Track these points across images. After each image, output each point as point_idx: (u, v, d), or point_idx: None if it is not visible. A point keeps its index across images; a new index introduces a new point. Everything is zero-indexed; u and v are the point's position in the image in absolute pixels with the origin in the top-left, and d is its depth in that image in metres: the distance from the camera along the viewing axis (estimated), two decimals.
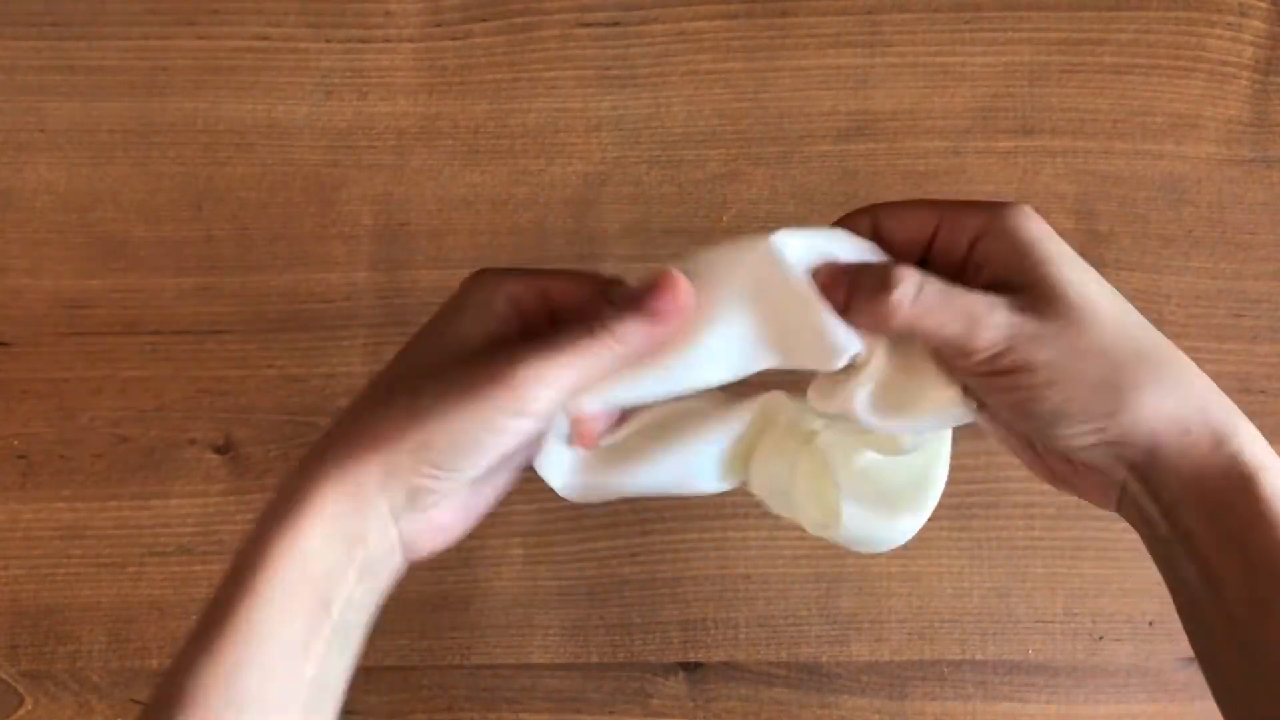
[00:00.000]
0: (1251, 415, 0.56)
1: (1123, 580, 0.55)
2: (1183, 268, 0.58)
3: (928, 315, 0.34)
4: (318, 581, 0.34)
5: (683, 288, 0.34)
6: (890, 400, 0.36)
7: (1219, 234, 0.58)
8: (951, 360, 0.35)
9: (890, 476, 0.39)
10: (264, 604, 0.33)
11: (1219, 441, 0.34)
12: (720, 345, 0.35)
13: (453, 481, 0.35)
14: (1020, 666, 0.55)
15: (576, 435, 0.37)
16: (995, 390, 0.35)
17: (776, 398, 0.39)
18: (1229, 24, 0.60)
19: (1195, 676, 0.54)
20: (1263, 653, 0.33)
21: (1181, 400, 0.34)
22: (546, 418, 0.35)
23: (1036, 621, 0.55)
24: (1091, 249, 0.58)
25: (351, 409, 0.36)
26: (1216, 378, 0.57)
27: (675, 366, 0.35)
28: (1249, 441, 0.35)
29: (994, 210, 0.36)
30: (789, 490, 0.39)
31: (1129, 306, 0.36)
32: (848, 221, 0.38)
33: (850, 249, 0.36)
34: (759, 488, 0.39)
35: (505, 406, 0.34)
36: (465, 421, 0.34)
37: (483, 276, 0.38)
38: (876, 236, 0.37)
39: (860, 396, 0.36)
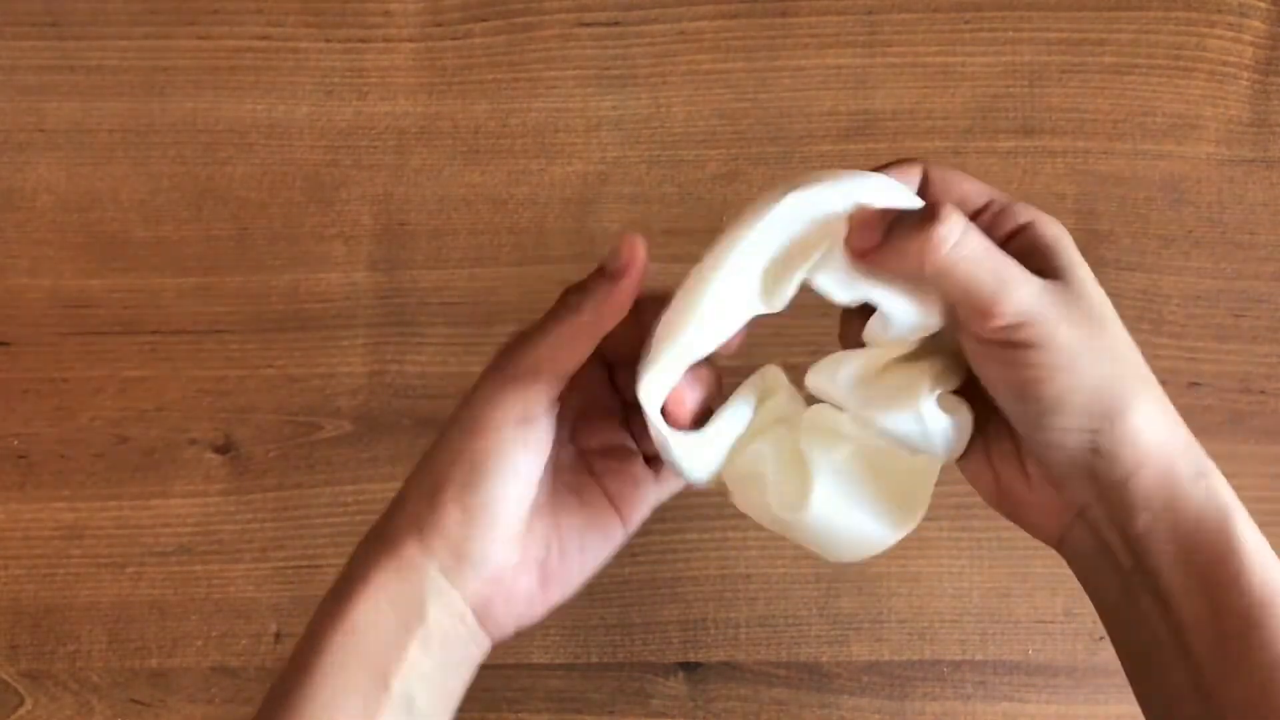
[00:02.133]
0: (1251, 415, 0.56)
1: None
2: (1183, 268, 0.58)
3: (965, 263, 0.32)
4: (373, 657, 0.34)
5: (638, 245, 0.34)
6: (876, 394, 0.35)
7: (1219, 234, 0.58)
8: (971, 320, 0.33)
9: (870, 480, 0.37)
10: (320, 682, 0.33)
11: (1200, 474, 0.33)
12: (740, 280, 0.34)
13: (485, 523, 0.34)
14: (1020, 666, 0.55)
15: (673, 420, 0.35)
16: (1003, 363, 0.34)
17: (773, 372, 0.38)
18: (1229, 24, 0.60)
19: None
20: (1221, 698, 0.32)
21: (1170, 428, 0.34)
22: (548, 416, 0.35)
23: (1036, 621, 0.55)
24: (1091, 249, 0.58)
25: (393, 500, 0.37)
26: (1216, 378, 0.57)
27: (706, 311, 0.34)
28: (1224, 482, 0.34)
29: (1035, 214, 0.36)
30: (762, 471, 0.37)
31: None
32: (894, 168, 0.36)
33: (887, 195, 0.34)
34: (731, 472, 0.37)
35: (511, 413, 0.34)
36: (473, 443, 0.34)
37: (506, 392, 0.35)
38: (921, 192, 0.36)
39: (845, 376, 0.35)
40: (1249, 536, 0.33)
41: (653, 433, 0.35)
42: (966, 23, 0.60)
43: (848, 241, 0.34)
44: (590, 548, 0.38)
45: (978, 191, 0.36)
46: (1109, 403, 0.33)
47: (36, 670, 0.55)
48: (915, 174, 0.36)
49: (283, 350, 0.57)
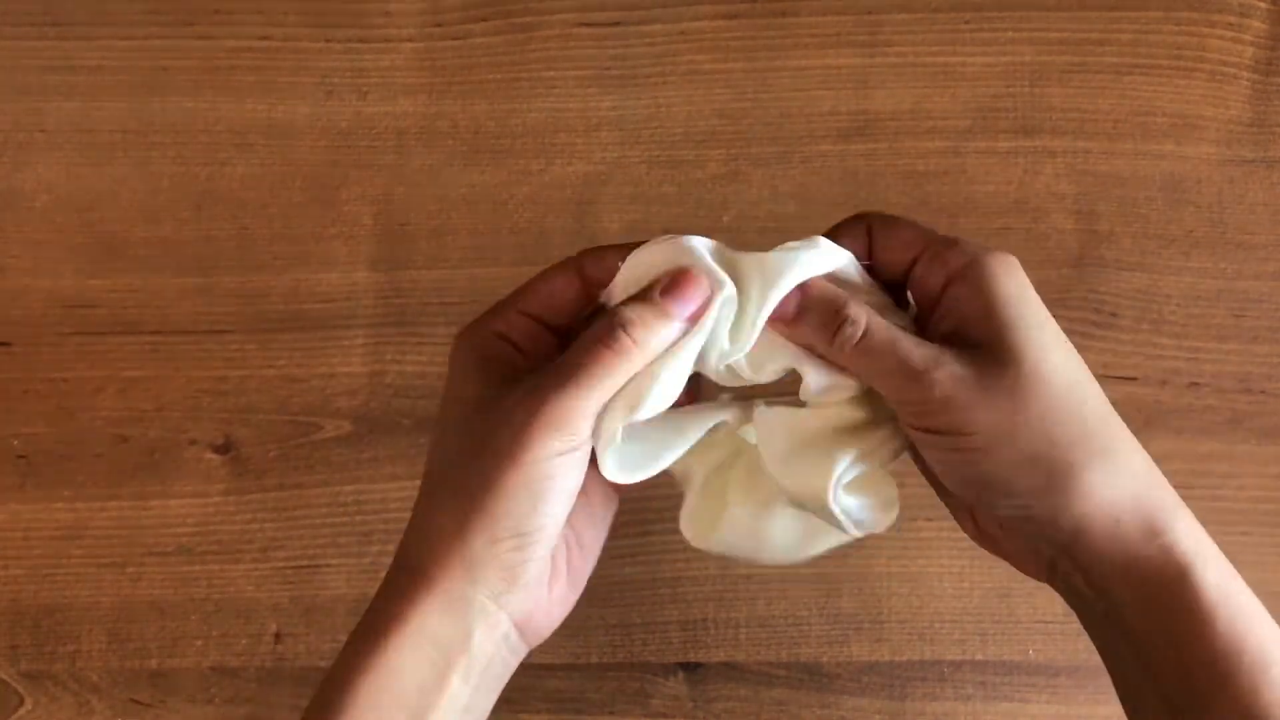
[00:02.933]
0: (1251, 415, 0.56)
1: None
2: (1183, 268, 0.58)
3: (869, 360, 0.33)
4: (409, 697, 0.33)
5: (702, 285, 0.34)
6: (792, 469, 0.36)
7: (1219, 234, 0.58)
8: (892, 405, 0.34)
9: (779, 520, 0.38)
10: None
11: (1152, 533, 0.33)
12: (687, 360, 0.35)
13: (541, 544, 0.34)
14: (1020, 667, 0.55)
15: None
16: (929, 446, 0.34)
17: (727, 400, 0.39)
18: (1229, 24, 0.60)
19: None
20: None
21: (1116, 487, 0.33)
22: (588, 438, 0.35)
23: (1037, 621, 0.55)
24: (1091, 249, 0.58)
25: (414, 526, 0.36)
26: (1216, 378, 0.57)
27: (659, 392, 0.35)
28: (1185, 533, 0.33)
29: (975, 256, 0.34)
30: (685, 487, 0.39)
31: (1087, 380, 0.34)
32: (842, 228, 0.37)
33: (827, 262, 0.35)
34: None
35: (552, 446, 0.33)
36: (519, 477, 0.33)
37: (459, 338, 0.37)
38: (869, 245, 0.37)
39: (774, 438, 0.36)
40: (1212, 587, 0.33)
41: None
42: (966, 23, 0.60)
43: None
44: (599, 528, 0.39)
45: (915, 237, 0.36)
46: (1038, 478, 0.33)
47: (36, 670, 0.55)
48: (860, 230, 0.37)
49: (283, 350, 0.57)
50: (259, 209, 0.59)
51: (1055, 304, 0.57)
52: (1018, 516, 0.34)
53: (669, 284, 0.34)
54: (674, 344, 0.34)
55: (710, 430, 0.37)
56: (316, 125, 0.59)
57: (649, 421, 0.35)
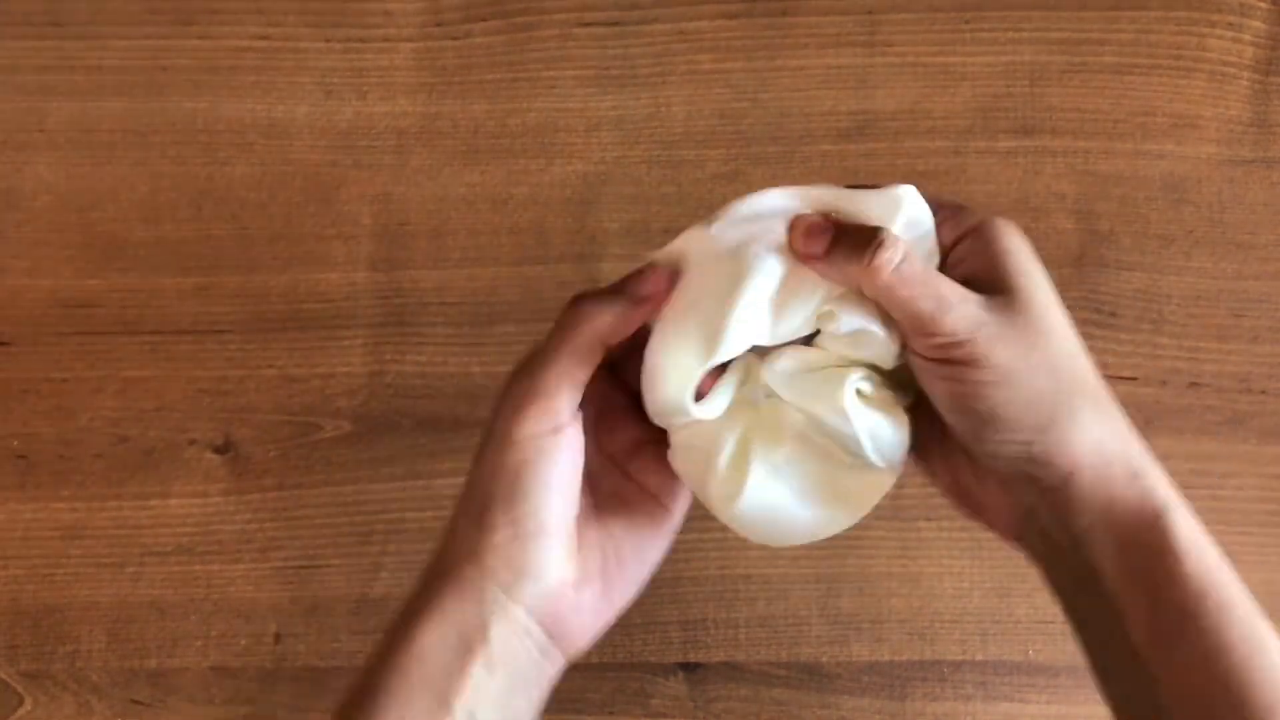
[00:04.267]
0: (1251, 415, 0.56)
1: None
2: (1183, 268, 0.58)
3: (904, 286, 0.34)
4: (436, 680, 0.34)
5: (660, 275, 0.36)
6: (806, 385, 0.37)
7: (1219, 234, 0.58)
8: (911, 337, 0.35)
9: (806, 481, 0.38)
10: (385, 704, 0.34)
11: (1134, 475, 0.35)
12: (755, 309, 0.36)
13: (538, 534, 0.35)
14: (1020, 667, 0.55)
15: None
16: (942, 378, 0.35)
17: (751, 359, 0.38)
18: (1229, 24, 0.60)
19: None
20: (1164, 689, 0.33)
21: (1108, 433, 0.35)
22: (575, 423, 0.36)
23: (1036, 622, 0.55)
24: (1091, 249, 0.58)
25: (445, 527, 0.38)
26: (1217, 378, 0.57)
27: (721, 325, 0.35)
28: (1160, 479, 0.35)
29: (984, 218, 0.37)
30: (711, 454, 0.38)
31: (1077, 337, 0.36)
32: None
33: (919, 212, 0.37)
34: (682, 439, 0.38)
35: (529, 427, 0.35)
36: (501, 460, 0.35)
37: (530, 413, 0.36)
38: None
39: (784, 366, 0.37)
40: (1184, 531, 0.34)
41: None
42: (966, 23, 0.60)
43: (791, 244, 0.36)
44: (645, 545, 0.39)
45: (928, 198, 0.38)
46: (1043, 415, 0.34)
47: (36, 670, 0.55)
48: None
49: (283, 350, 0.57)
50: (259, 209, 0.59)
51: None
52: (1016, 455, 0.35)
53: (639, 277, 0.36)
54: (739, 277, 0.35)
55: (736, 389, 0.38)
56: (316, 125, 0.59)
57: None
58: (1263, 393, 0.57)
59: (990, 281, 0.35)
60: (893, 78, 0.59)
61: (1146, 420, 0.56)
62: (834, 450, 0.37)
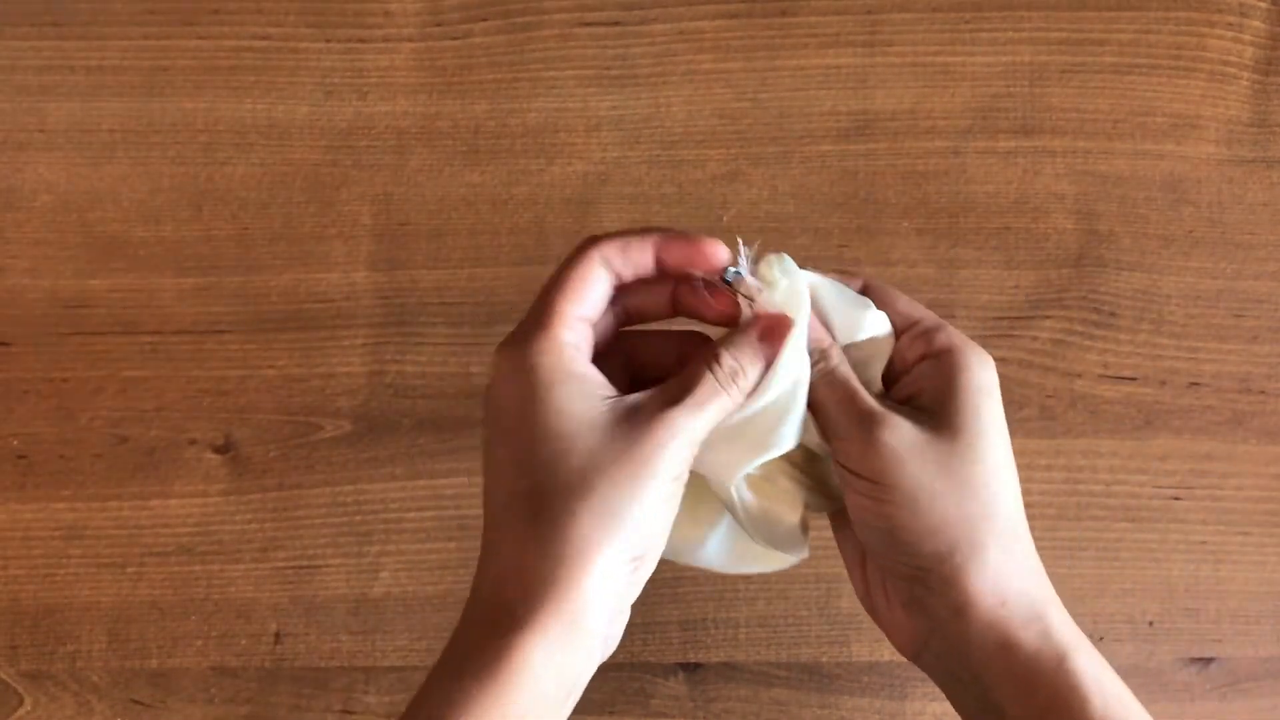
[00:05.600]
0: (1251, 415, 0.56)
1: (1122, 580, 0.55)
2: (1183, 268, 0.58)
3: (829, 390, 0.35)
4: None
5: (792, 329, 0.35)
6: (707, 463, 0.37)
7: (1219, 234, 0.58)
8: (830, 441, 0.36)
9: (749, 541, 0.40)
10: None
11: (1036, 617, 0.35)
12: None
13: (652, 566, 0.35)
14: None
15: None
16: (851, 489, 0.36)
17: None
18: (1229, 24, 0.60)
19: (1195, 677, 0.54)
20: None
21: (1012, 570, 0.35)
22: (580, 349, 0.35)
23: None
24: (1091, 249, 0.58)
25: (502, 544, 0.33)
26: (1216, 378, 0.57)
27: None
28: (1062, 622, 0.35)
29: (960, 344, 0.36)
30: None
31: (1012, 478, 0.36)
32: (844, 277, 0.39)
33: (878, 326, 0.38)
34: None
35: (682, 464, 0.34)
36: (661, 492, 0.33)
37: (527, 354, 0.34)
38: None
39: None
40: (1090, 673, 0.34)
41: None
42: (966, 23, 0.60)
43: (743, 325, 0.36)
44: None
45: (909, 312, 0.38)
46: (942, 544, 0.34)
47: (36, 670, 0.55)
48: (856, 284, 0.39)
49: (283, 350, 0.57)
50: (259, 209, 0.59)
51: (1055, 304, 0.57)
52: (913, 577, 0.35)
53: (766, 327, 0.36)
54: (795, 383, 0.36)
55: None
56: (316, 125, 0.59)
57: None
58: (1262, 393, 0.57)
59: (936, 405, 0.35)
60: (893, 78, 0.59)
61: (1146, 420, 0.56)
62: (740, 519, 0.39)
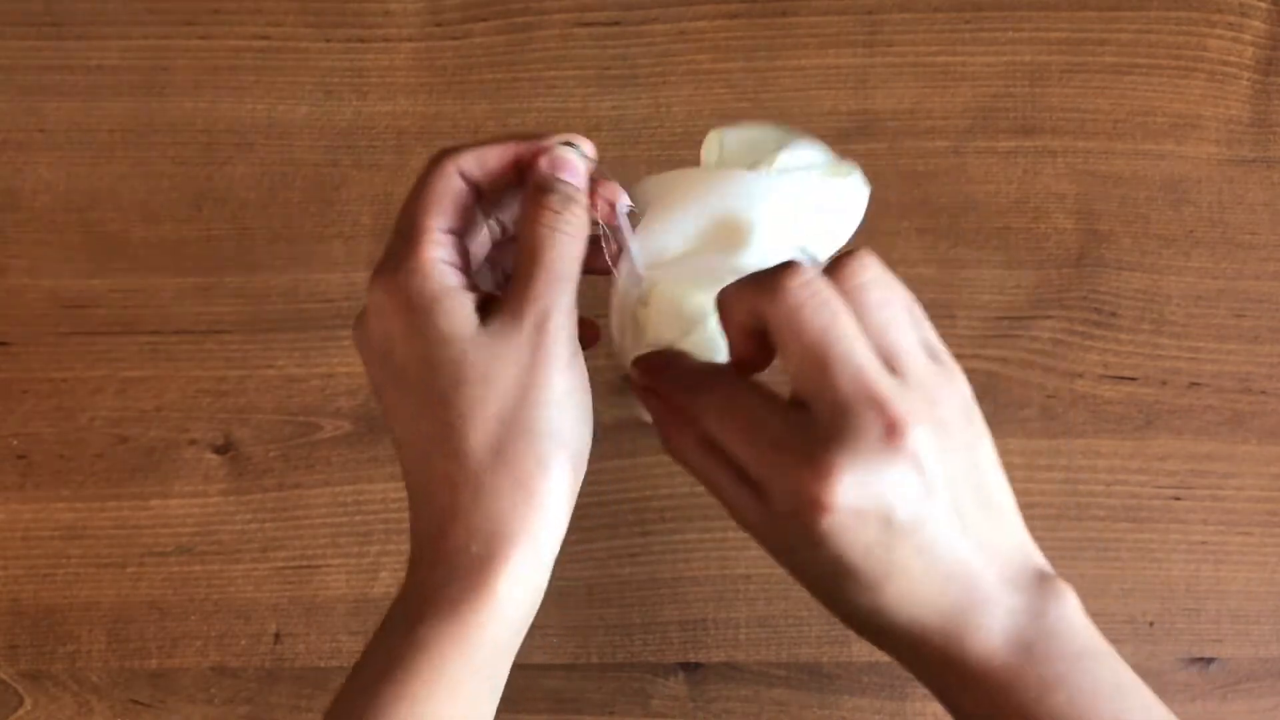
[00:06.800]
0: (1251, 415, 0.56)
1: (1123, 580, 0.55)
2: (1183, 268, 0.58)
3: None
4: (494, 669, 0.34)
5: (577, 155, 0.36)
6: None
7: (1219, 234, 0.58)
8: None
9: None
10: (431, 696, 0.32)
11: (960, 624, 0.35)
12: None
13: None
14: None
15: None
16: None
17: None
18: (1229, 24, 0.60)
19: (1195, 677, 0.54)
20: None
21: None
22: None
23: None
24: (1091, 249, 0.58)
25: (433, 485, 0.34)
26: (1217, 378, 0.57)
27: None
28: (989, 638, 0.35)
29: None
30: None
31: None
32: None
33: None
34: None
35: (564, 356, 0.34)
36: (559, 396, 0.34)
37: (407, 267, 0.34)
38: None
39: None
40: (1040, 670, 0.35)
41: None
42: (966, 23, 0.60)
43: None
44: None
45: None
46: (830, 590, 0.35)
47: (36, 670, 0.55)
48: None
49: (283, 350, 0.57)
50: (259, 209, 0.59)
51: (1055, 304, 0.57)
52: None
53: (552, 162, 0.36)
54: None
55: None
56: (316, 125, 0.59)
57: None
58: (1263, 393, 0.57)
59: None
60: (893, 78, 0.59)
61: (1147, 420, 0.56)
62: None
